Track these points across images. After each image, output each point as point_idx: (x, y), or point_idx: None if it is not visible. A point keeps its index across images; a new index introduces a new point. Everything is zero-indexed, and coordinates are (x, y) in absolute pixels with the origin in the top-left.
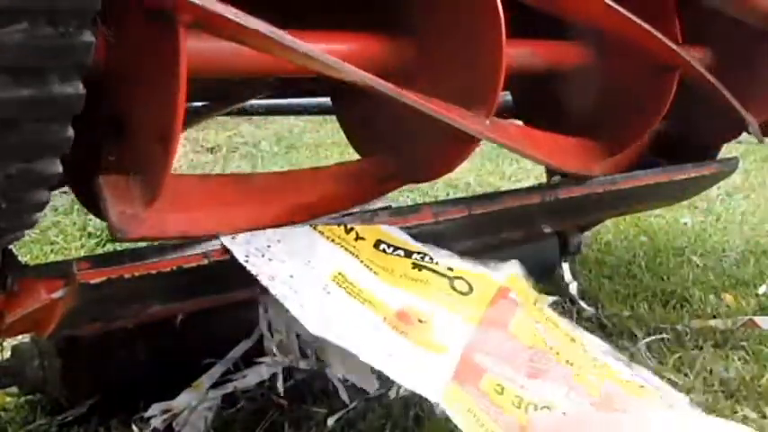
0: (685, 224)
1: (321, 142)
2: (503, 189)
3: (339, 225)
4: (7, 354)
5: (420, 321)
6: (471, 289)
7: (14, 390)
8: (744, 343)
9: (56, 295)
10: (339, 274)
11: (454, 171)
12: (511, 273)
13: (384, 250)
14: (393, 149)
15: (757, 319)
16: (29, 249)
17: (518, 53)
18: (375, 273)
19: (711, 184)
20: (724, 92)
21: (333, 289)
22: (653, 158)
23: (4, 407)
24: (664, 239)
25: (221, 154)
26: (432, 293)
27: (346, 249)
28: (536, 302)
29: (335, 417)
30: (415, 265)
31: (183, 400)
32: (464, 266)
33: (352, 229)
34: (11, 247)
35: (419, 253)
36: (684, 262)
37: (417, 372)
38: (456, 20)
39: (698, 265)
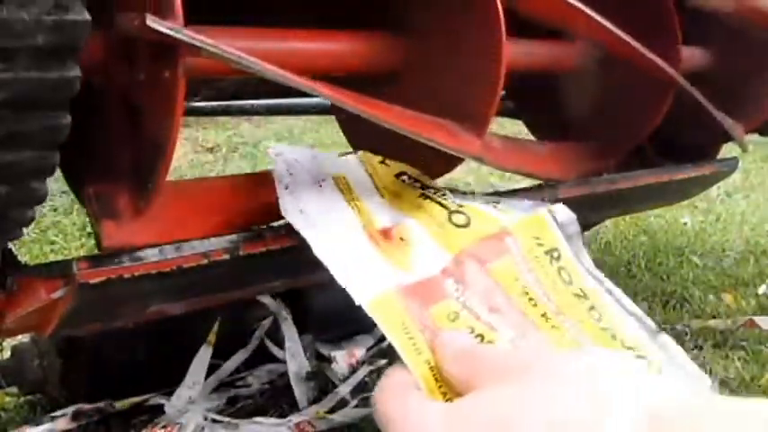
0: (685, 224)
1: (321, 142)
2: (502, 189)
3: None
4: (7, 354)
5: (401, 239)
6: (468, 223)
7: (14, 390)
8: (744, 343)
9: (56, 295)
10: (342, 177)
11: (454, 171)
12: (523, 216)
13: (403, 180)
14: (394, 148)
15: (757, 319)
16: (29, 249)
17: (517, 53)
18: (381, 194)
19: (711, 183)
20: (707, 105)
21: (327, 184)
22: (654, 158)
23: (4, 407)
24: (664, 239)
25: (221, 154)
26: (425, 220)
27: (365, 168)
28: (552, 253)
29: (336, 416)
30: (423, 195)
31: (181, 404)
32: (475, 204)
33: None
34: (11, 246)
35: (436, 190)
36: (684, 262)
37: (359, 273)
38: (452, 20)
39: (698, 265)
